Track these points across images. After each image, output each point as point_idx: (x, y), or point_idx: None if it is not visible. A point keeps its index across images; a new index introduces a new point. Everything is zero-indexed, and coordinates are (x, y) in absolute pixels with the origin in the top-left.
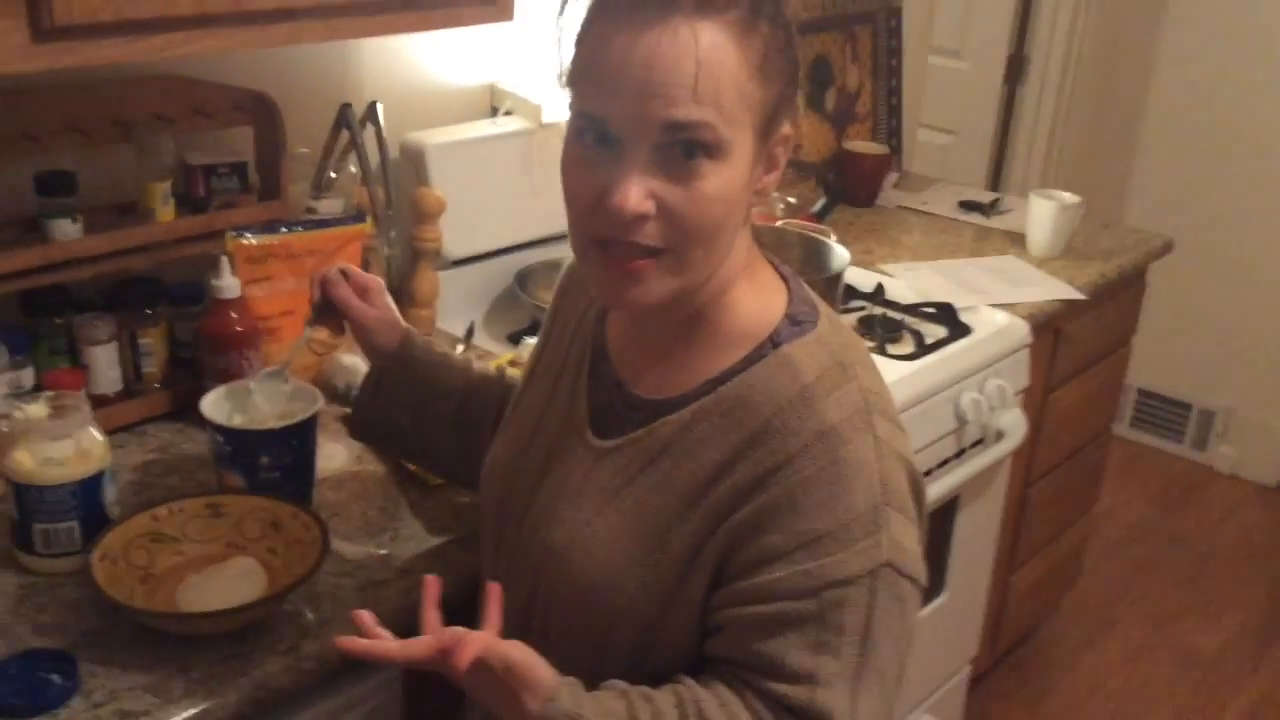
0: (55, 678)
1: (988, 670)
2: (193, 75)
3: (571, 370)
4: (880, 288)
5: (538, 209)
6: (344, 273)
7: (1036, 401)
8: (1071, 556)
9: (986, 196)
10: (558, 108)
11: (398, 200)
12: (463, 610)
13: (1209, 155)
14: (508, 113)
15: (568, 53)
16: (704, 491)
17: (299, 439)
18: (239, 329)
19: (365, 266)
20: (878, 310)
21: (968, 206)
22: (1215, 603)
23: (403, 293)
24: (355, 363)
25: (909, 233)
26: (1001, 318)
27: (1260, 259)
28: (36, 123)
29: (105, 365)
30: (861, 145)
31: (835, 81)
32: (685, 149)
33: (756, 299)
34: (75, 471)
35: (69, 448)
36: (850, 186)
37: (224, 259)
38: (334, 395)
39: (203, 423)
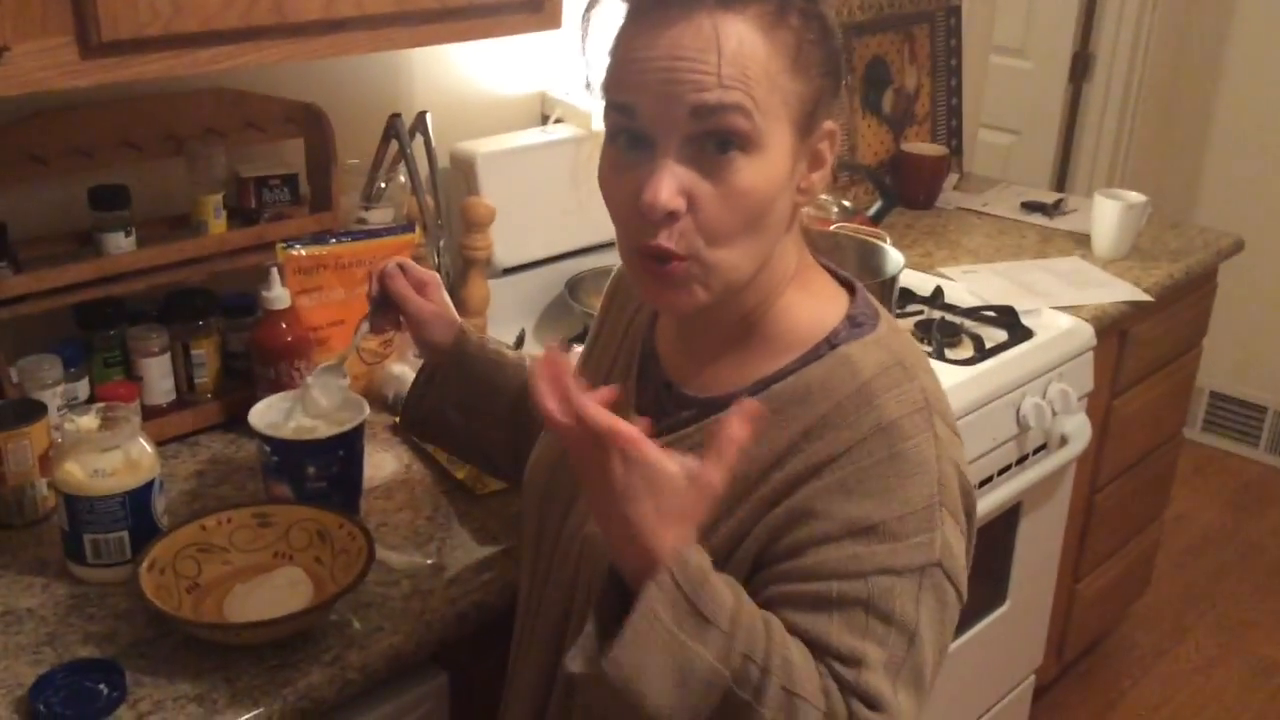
0: (103, 687)
1: (1054, 680)
2: (243, 88)
3: (620, 370)
4: (939, 291)
5: (588, 216)
6: (402, 267)
7: (1102, 406)
8: (1140, 564)
9: (1050, 197)
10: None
11: (448, 210)
12: (511, 615)
13: None
14: (558, 121)
15: (592, 52)
16: (754, 486)
17: (345, 449)
18: (289, 339)
19: None
20: (936, 314)
21: (1030, 207)
22: None
23: (453, 301)
24: (404, 372)
25: (969, 235)
26: (1065, 321)
27: None
28: (90, 138)
29: (158, 376)
30: (920, 146)
31: (893, 82)
32: (718, 142)
33: (811, 305)
34: (125, 482)
35: (118, 459)
36: (908, 189)
37: (274, 270)
38: (383, 405)
39: (253, 433)
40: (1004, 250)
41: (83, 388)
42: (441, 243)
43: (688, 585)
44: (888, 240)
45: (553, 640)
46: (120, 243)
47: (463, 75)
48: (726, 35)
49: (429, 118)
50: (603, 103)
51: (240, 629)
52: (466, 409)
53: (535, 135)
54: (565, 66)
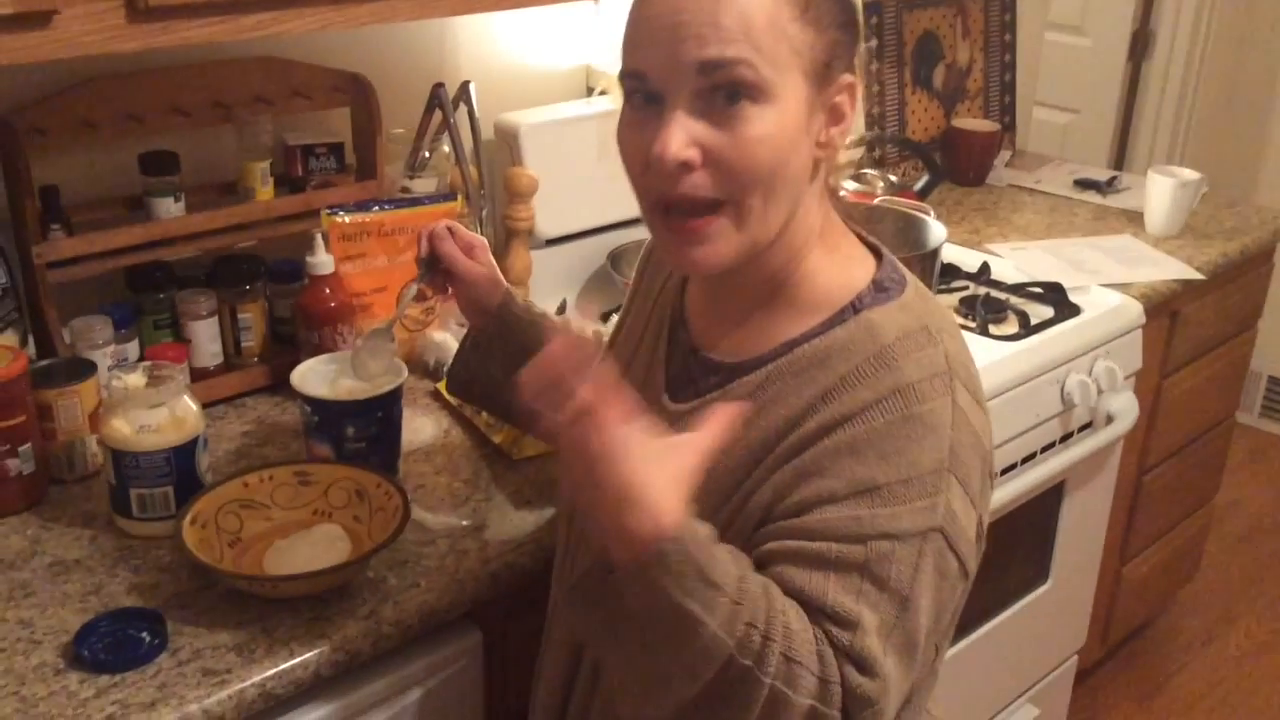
0: (145, 635)
1: (1098, 663)
2: (291, 57)
3: (651, 337)
4: (985, 267)
5: (630, 189)
6: (450, 230)
7: (1152, 386)
8: (1190, 549)
9: (1103, 174)
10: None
11: (491, 180)
12: (545, 577)
13: None
14: (602, 93)
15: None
16: (772, 447)
17: (384, 410)
18: (333, 304)
19: None
20: (981, 290)
21: (1083, 185)
22: None
23: None
24: (445, 339)
25: (1019, 212)
26: (1113, 298)
27: None
28: (141, 104)
29: (206, 339)
30: (971, 122)
31: (944, 57)
32: (727, 93)
33: (837, 268)
34: (170, 439)
35: (164, 416)
36: (958, 165)
37: (318, 236)
38: (424, 371)
39: (296, 394)
40: (1055, 228)
41: (133, 349)
42: (484, 213)
43: (699, 551)
44: (931, 214)
45: None
46: (170, 208)
47: (507, 47)
48: None
49: (473, 88)
50: (619, 68)
51: (279, 581)
52: (510, 370)
53: (579, 107)
54: (610, 39)
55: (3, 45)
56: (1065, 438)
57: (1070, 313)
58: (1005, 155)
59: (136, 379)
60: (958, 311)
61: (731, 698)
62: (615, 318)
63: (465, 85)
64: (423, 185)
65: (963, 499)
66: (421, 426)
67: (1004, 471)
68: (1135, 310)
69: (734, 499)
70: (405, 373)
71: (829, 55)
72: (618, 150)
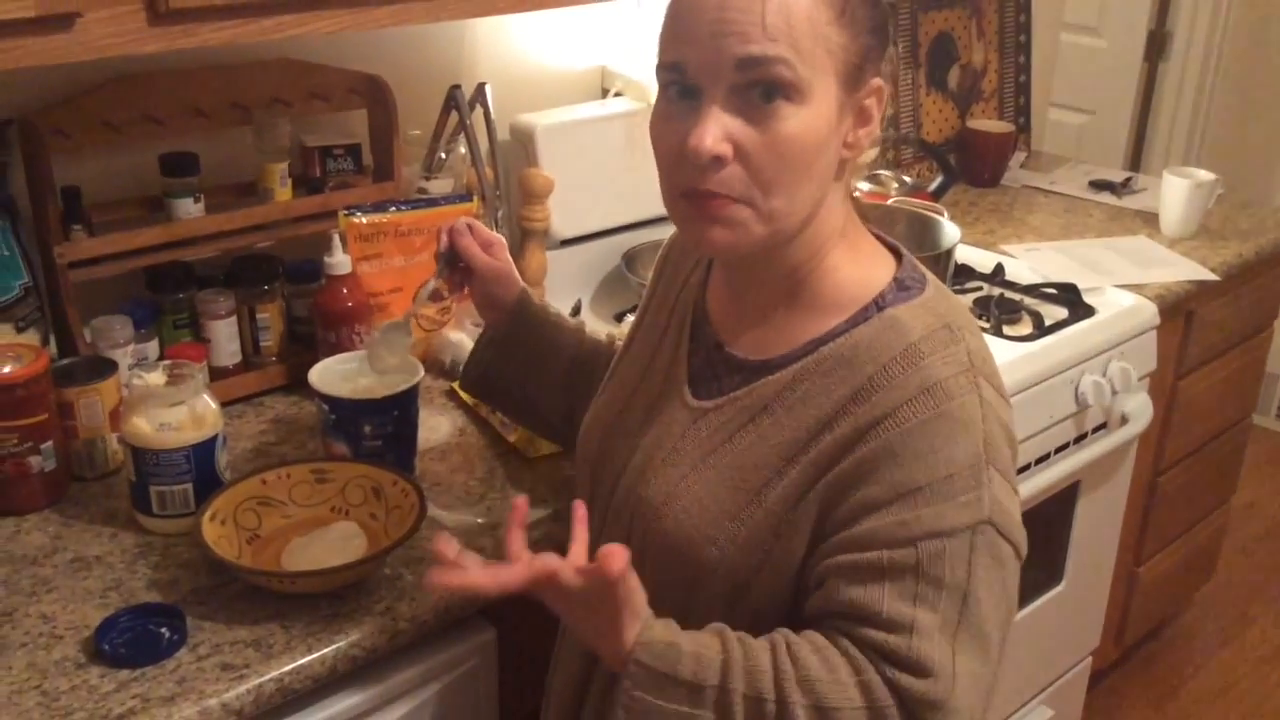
0: (165, 631)
1: (1113, 665)
2: (309, 59)
3: (673, 333)
4: (999, 268)
5: (646, 189)
6: (470, 227)
7: (1167, 387)
8: (1205, 550)
9: (1118, 175)
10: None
11: (507, 181)
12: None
13: None
14: (618, 94)
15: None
16: (804, 448)
17: (400, 409)
18: (350, 304)
19: None
20: (995, 291)
21: (1098, 186)
22: None
23: None
24: (461, 338)
25: (1034, 213)
26: (1127, 299)
27: None
28: (161, 106)
29: (225, 339)
30: (986, 123)
31: (959, 58)
32: (763, 91)
33: (858, 266)
34: (189, 436)
35: (184, 414)
36: (973, 166)
37: (336, 236)
38: (440, 371)
39: (314, 393)
40: (1069, 228)
41: (152, 348)
42: (500, 213)
43: (658, 661)
44: (945, 215)
45: None
46: (189, 208)
47: (523, 48)
48: None
49: (488, 89)
50: (656, 60)
51: (296, 577)
52: (525, 369)
53: (594, 108)
54: (625, 40)
55: (26, 47)
56: (1080, 438)
57: (1085, 313)
58: (1020, 156)
59: (156, 377)
60: (973, 311)
61: None
62: (630, 318)
63: (481, 87)
64: (439, 186)
65: (1004, 486)
66: (437, 425)
67: (1019, 472)
68: (1150, 311)
69: (765, 495)
70: (422, 371)
71: (861, 59)
72: (654, 158)
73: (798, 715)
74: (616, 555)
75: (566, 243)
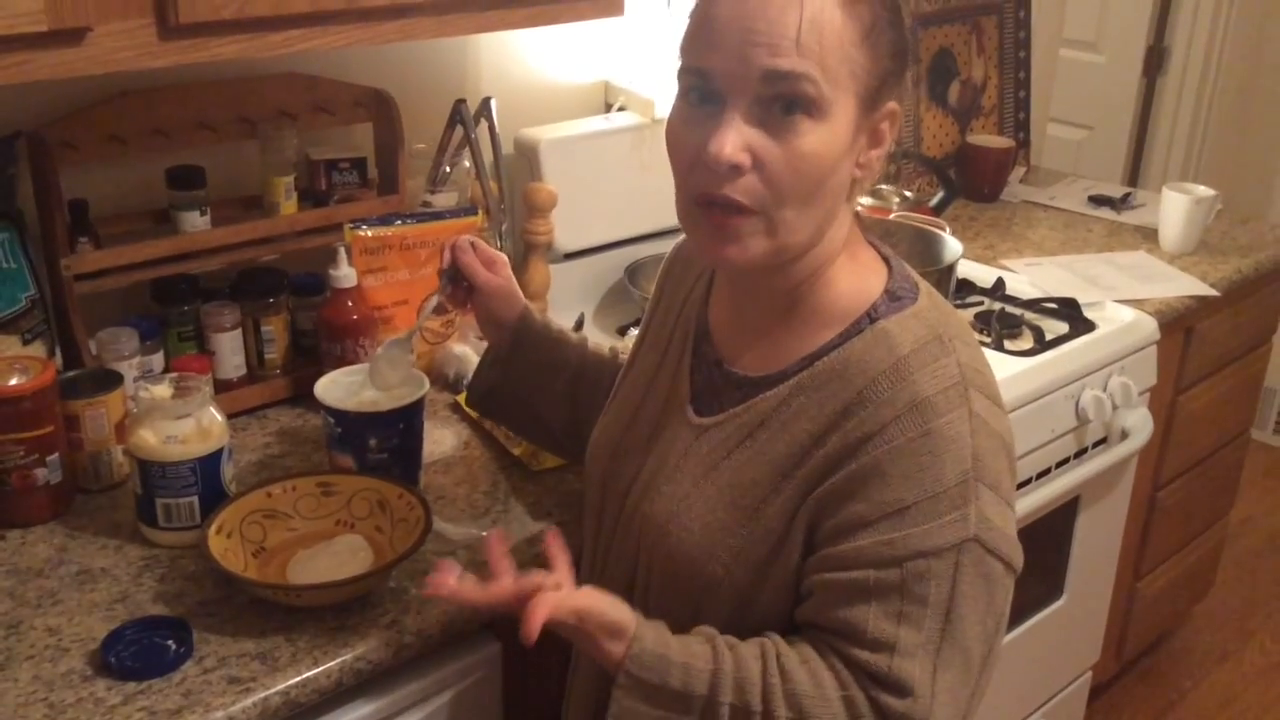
0: (171, 643)
1: (1112, 679)
2: (315, 73)
3: (675, 350)
4: (1000, 283)
5: (649, 203)
6: (473, 244)
7: (1166, 402)
8: (1204, 565)
9: (1117, 191)
10: (670, 103)
11: (511, 194)
12: None
13: None
14: (621, 109)
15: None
16: (798, 463)
17: (405, 422)
18: (355, 317)
19: None
20: (996, 305)
21: (1098, 201)
22: None
23: None
24: (465, 352)
25: (1034, 228)
26: (1127, 314)
27: None
28: (168, 120)
29: (230, 351)
30: (986, 139)
31: (959, 74)
32: (785, 104)
33: (855, 276)
34: (195, 449)
35: (190, 426)
36: (973, 181)
37: (341, 249)
38: (444, 384)
39: (319, 406)
40: (1069, 244)
41: (158, 360)
42: (504, 227)
43: (648, 673)
44: (946, 230)
45: None
46: (195, 221)
47: (527, 63)
48: (808, 2)
49: (493, 104)
50: (677, 64)
51: (302, 590)
52: (529, 386)
53: (598, 122)
54: (629, 55)
55: (38, 61)
56: (1080, 453)
57: (1085, 328)
58: (1020, 171)
59: (163, 389)
60: (974, 326)
61: None
62: (633, 331)
63: (486, 101)
64: (444, 200)
65: (994, 502)
66: (442, 438)
67: (1019, 486)
68: (1150, 326)
69: (762, 512)
70: (427, 385)
71: (880, 81)
72: (657, 171)
73: None
74: (532, 621)
75: (570, 256)
